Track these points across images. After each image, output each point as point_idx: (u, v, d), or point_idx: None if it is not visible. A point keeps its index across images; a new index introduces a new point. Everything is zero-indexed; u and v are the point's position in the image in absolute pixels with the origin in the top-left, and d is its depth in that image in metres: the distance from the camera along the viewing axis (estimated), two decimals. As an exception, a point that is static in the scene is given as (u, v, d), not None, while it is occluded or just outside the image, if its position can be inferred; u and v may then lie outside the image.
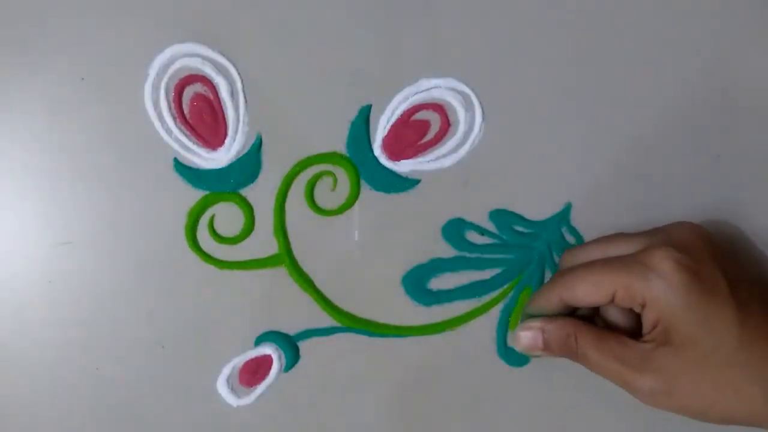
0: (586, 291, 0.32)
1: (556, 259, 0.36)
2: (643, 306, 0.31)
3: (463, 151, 0.36)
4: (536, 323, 0.33)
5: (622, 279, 0.31)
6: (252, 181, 0.35)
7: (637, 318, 0.32)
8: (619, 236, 0.34)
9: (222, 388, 0.35)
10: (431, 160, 0.35)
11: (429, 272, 0.36)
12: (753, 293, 0.31)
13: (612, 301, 0.31)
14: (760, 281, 0.36)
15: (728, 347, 0.30)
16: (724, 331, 0.30)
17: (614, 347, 0.32)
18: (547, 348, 0.33)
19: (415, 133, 0.35)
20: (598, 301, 0.32)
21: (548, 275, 0.36)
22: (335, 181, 0.35)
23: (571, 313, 0.34)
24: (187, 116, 0.34)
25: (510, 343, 0.35)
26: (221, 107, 0.34)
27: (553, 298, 0.33)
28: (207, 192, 0.34)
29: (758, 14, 0.36)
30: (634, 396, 0.32)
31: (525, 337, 0.33)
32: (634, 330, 0.33)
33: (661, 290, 0.30)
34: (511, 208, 0.36)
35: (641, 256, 0.31)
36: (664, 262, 0.30)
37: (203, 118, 0.34)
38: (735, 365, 0.30)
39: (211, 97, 0.34)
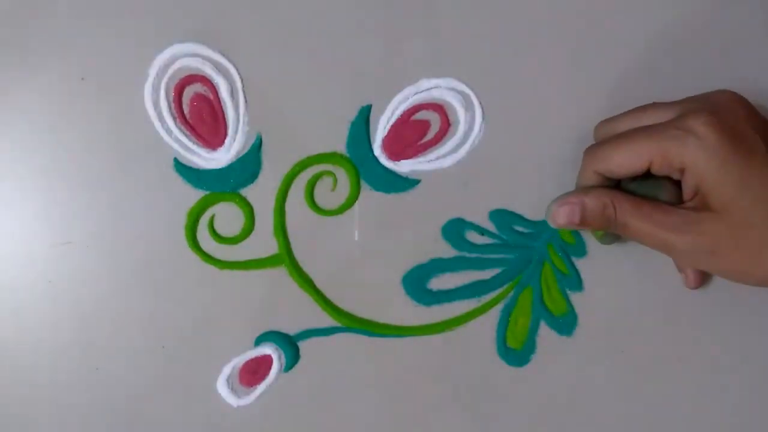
0: (622, 160, 0.31)
1: (556, 259, 0.36)
2: (682, 171, 0.30)
3: (463, 151, 0.36)
4: (572, 197, 0.32)
5: (659, 145, 0.30)
6: (252, 181, 0.35)
7: (676, 191, 0.32)
8: (654, 105, 0.33)
9: (222, 388, 0.35)
10: (431, 160, 0.35)
11: (429, 272, 0.36)
12: None
13: (649, 169, 0.31)
14: None
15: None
16: (763, 190, 0.29)
17: (654, 213, 0.31)
18: (585, 221, 0.32)
19: (415, 133, 0.35)
20: (635, 170, 0.31)
21: (548, 275, 0.36)
22: (335, 181, 0.35)
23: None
24: (187, 116, 0.34)
25: (549, 221, 0.33)
26: (221, 107, 0.34)
27: (587, 172, 0.32)
28: (207, 192, 0.34)
29: (758, 13, 0.36)
30: (675, 259, 0.31)
31: (562, 212, 0.32)
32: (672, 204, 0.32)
33: (699, 153, 0.29)
34: (511, 208, 0.36)
35: (677, 121, 0.30)
36: (700, 126, 0.29)
37: (203, 118, 0.34)
38: None
39: (211, 97, 0.34)
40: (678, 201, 0.32)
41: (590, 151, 0.33)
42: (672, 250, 0.31)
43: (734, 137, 0.29)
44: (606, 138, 0.33)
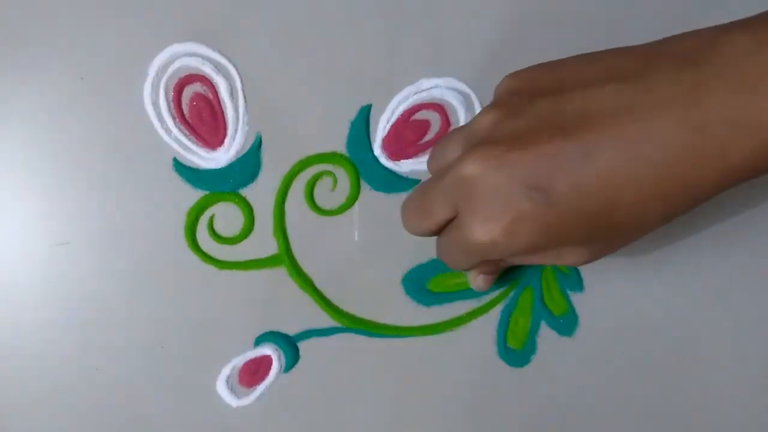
0: (423, 227, 0.31)
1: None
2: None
3: (463, 151, 0.35)
4: (471, 274, 0.33)
5: (475, 261, 0.30)
6: (251, 181, 0.35)
7: None
8: (445, 140, 0.31)
9: (221, 388, 0.35)
10: (431, 160, 0.35)
11: (429, 272, 0.36)
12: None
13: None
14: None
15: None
16: (575, 172, 0.27)
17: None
18: (497, 273, 0.33)
19: (415, 133, 0.35)
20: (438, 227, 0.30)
21: (548, 276, 0.36)
22: (335, 181, 0.35)
23: None
24: (187, 116, 0.34)
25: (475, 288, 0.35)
26: (221, 107, 0.34)
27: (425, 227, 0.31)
28: (206, 192, 0.34)
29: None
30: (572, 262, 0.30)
31: (482, 285, 0.34)
32: None
33: (500, 253, 0.28)
34: (511, 208, 0.36)
35: (454, 167, 0.28)
36: (479, 234, 0.28)
37: (203, 117, 0.34)
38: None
39: (211, 96, 0.34)
40: None
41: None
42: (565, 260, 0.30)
43: (508, 220, 0.27)
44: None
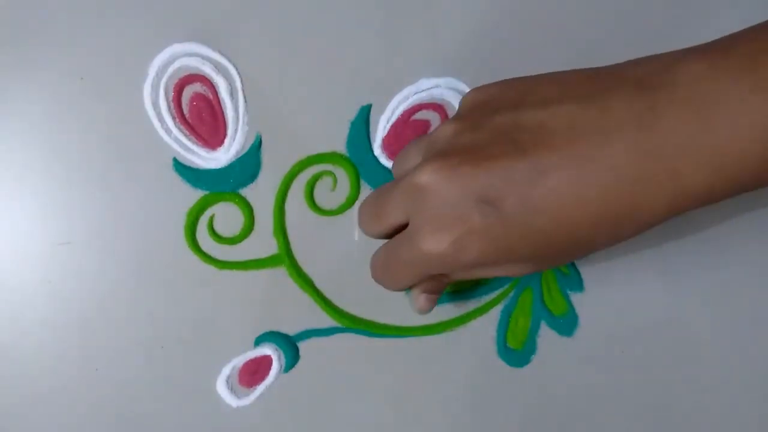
0: (374, 226, 0.31)
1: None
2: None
3: (463, 151, 0.35)
4: (414, 292, 0.32)
5: (419, 275, 0.30)
6: (252, 181, 0.35)
7: None
8: (407, 150, 0.31)
9: (221, 388, 0.35)
10: (431, 160, 0.35)
11: (429, 272, 0.36)
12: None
13: None
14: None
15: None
16: (525, 181, 0.27)
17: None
18: (436, 297, 0.32)
19: (415, 132, 0.35)
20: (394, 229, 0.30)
21: (548, 276, 0.36)
22: (335, 181, 0.35)
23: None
24: (187, 116, 0.34)
25: (416, 312, 0.33)
26: (221, 107, 0.34)
27: (379, 229, 0.31)
28: (206, 192, 0.34)
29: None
30: (519, 271, 0.29)
31: (424, 306, 0.32)
32: None
33: (448, 267, 0.28)
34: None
35: (410, 177, 0.28)
36: (428, 244, 0.28)
37: (203, 117, 0.34)
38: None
39: (211, 96, 0.34)
40: None
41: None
42: (513, 270, 0.30)
43: (458, 233, 0.27)
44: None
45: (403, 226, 0.30)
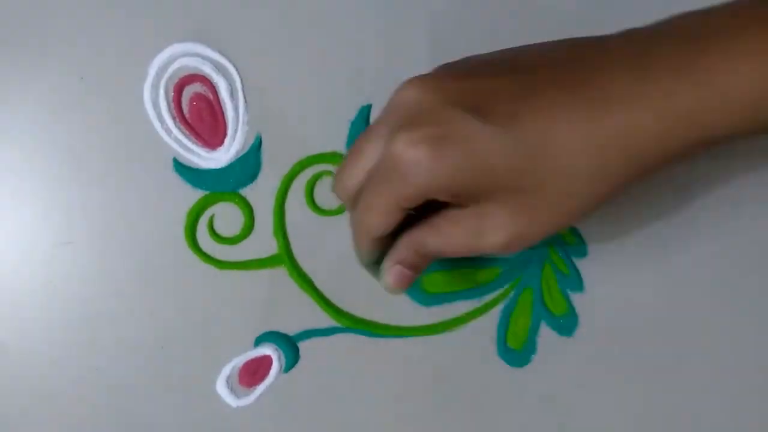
0: (379, 226, 0.28)
1: (557, 260, 0.36)
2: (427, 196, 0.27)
3: (463, 151, 0.35)
4: (386, 263, 0.29)
5: (394, 193, 0.26)
6: (252, 181, 0.35)
7: None
8: (368, 133, 0.28)
9: (221, 388, 0.35)
10: (431, 160, 0.35)
11: (429, 272, 0.36)
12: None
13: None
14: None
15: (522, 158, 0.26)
16: (503, 153, 0.26)
17: (449, 227, 0.27)
18: (414, 275, 0.29)
19: (415, 133, 0.35)
20: (394, 225, 0.28)
21: (549, 276, 0.36)
22: (335, 181, 0.35)
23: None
24: (187, 116, 0.34)
25: (388, 291, 0.30)
26: (221, 107, 0.34)
27: (367, 242, 0.29)
28: (206, 192, 0.34)
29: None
30: (497, 254, 0.29)
31: (393, 281, 0.29)
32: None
33: (422, 180, 0.26)
34: (511, 208, 0.36)
35: (386, 153, 0.26)
36: (402, 149, 0.26)
37: (203, 117, 0.34)
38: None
39: (211, 96, 0.34)
40: None
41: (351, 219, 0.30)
42: (486, 250, 0.28)
43: (436, 137, 0.25)
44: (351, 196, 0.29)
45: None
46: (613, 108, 0.26)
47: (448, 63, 0.29)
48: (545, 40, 0.29)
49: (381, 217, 0.27)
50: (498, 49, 0.29)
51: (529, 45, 0.29)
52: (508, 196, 0.26)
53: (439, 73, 0.28)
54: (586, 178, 0.26)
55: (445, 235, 0.28)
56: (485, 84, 0.26)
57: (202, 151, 0.34)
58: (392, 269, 0.29)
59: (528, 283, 0.36)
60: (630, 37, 0.28)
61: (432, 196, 0.26)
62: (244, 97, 0.34)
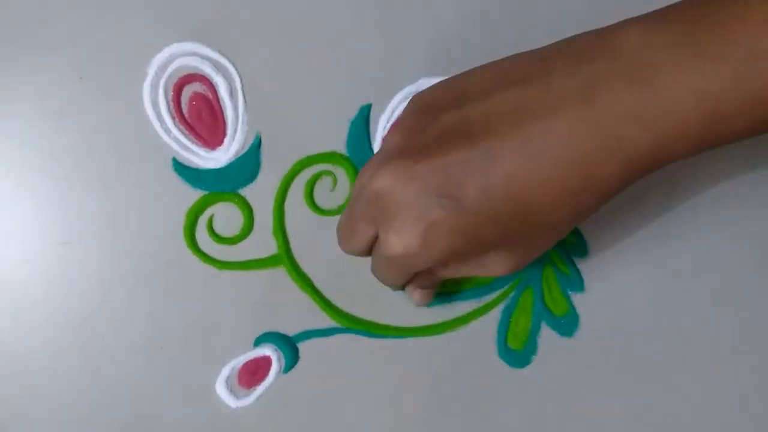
0: (357, 247, 0.31)
1: (557, 260, 0.36)
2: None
3: (463, 151, 0.35)
4: (409, 288, 0.33)
5: (402, 274, 0.30)
6: (251, 181, 0.35)
7: None
8: (352, 219, 0.31)
9: (221, 389, 0.35)
10: (431, 160, 0.35)
11: (429, 272, 0.36)
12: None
13: None
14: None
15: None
16: (483, 175, 0.27)
17: (456, 267, 0.30)
18: (435, 287, 0.33)
19: (415, 132, 0.35)
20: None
21: (549, 276, 0.36)
22: (335, 181, 0.35)
23: None
24: (186, 116, 0.34)
25: (415, 306, 0.35)
26: (220, 107, 0.34)
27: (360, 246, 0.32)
28: (206, 192, 0.34)
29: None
30: (499, 271, 0.30)
31: (421, 300, 0.33)
32: None
33: (423, 263, 0.29)
34: (511, 208, 0.36)
35: (383, 251, 0.29)
36: (397, 245, 0.28)
37: (202, 117, 0.34)
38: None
39: (210, 96, 0.34)
40: None
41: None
42: (493, 271, 0.30)
43: (423, 229, 0.27)
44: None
45: (376, 238, 0.30)
46: (575, 160, 0.26)
47: (412, 113, 0.30)
48: (544, 42, 0.29)
49: (397, 281, 0.31)
50: (450, 81, 0.30)
51: (480, 78, 0.29)
52: (500, 247, 0.29)
53: (407, 151, 0.28)
54: (567, 218, 0.28)
55: (454, 270, 0.30)
56: (453, 166, 0.27)
57: (201, 151, 0.34)
58: (414, 292, 0.33)
59: (528, 284, 0.36)
60: (572, 79, 0.27)
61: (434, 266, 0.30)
62: (244, 97, 0.34)
